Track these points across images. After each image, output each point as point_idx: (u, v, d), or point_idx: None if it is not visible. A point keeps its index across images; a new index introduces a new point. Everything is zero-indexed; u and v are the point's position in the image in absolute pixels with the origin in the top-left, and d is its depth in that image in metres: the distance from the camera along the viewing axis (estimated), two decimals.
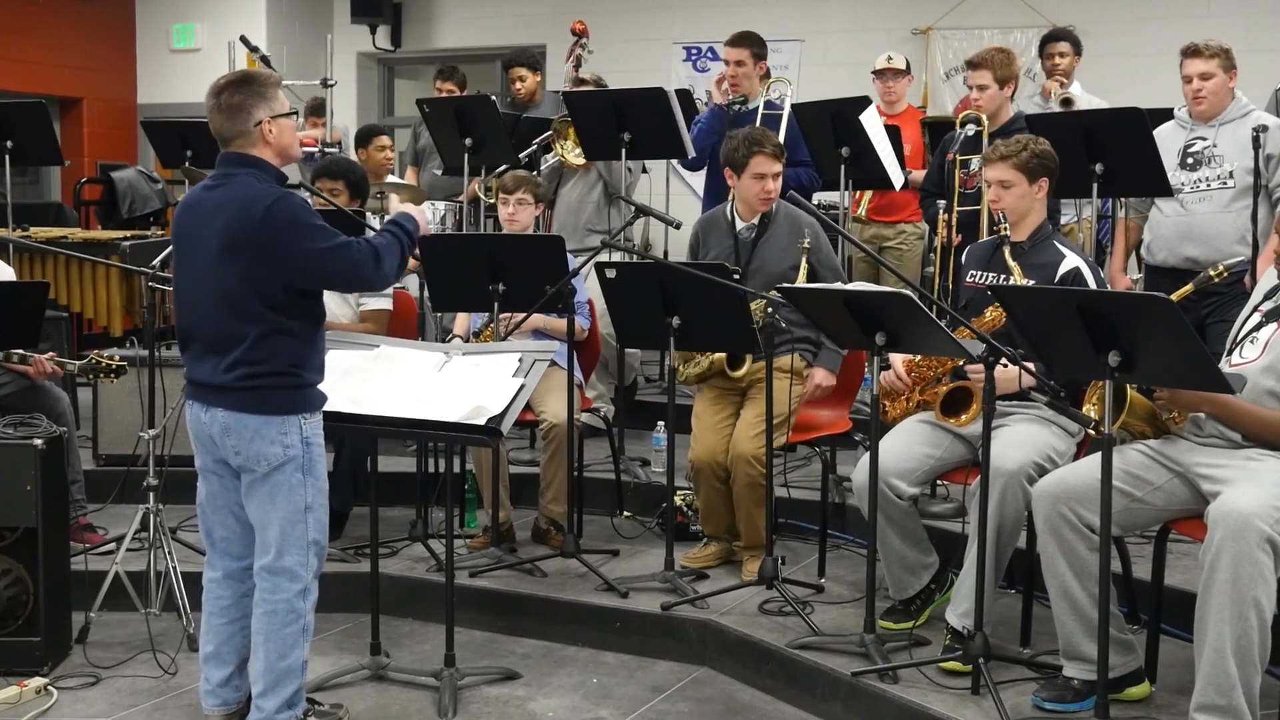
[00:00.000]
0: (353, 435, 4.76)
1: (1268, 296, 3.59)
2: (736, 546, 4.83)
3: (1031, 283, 3.97)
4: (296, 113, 3.57)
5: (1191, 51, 5.06)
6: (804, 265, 4.67)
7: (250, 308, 3.41)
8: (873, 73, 6.89)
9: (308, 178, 5.57)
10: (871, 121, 5.66)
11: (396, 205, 3.80)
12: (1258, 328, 3.53)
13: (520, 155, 6.43)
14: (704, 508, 4.84)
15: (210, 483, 3.63)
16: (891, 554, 4.17)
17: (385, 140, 7.02)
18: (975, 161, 5.45)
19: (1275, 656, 3.26)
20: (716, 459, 4.68)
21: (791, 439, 4.86)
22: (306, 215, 3.44)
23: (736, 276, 4.42)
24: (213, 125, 3.51)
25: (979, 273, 4.23)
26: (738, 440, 4.62)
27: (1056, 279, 3.98)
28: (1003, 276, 4.08)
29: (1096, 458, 3.36)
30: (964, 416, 4.02)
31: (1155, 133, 5.14)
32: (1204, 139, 5.07)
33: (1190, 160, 5.08)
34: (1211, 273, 3.60)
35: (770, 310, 4.38)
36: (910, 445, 4.11)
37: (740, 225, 4.86)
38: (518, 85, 7.48)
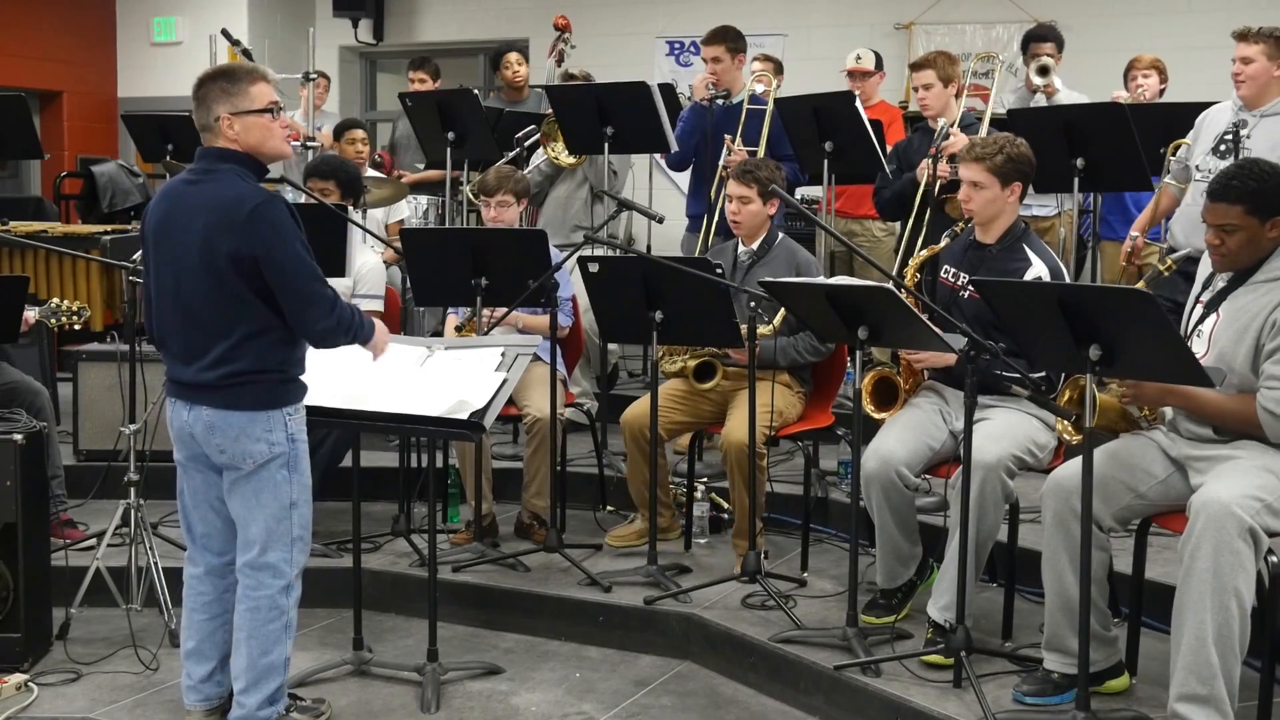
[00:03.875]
0: (334, 431, 4.75)
1: (1205, 286, 3.61)
2: (733, 542, 4.84)
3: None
4: (272, 110, 3.47)
5: (1240, 35, 5.00)
6: (781, 311, 4.63)
7: (234, 308, 3.39)
8: (842, 72, 6.91)
9: (299, 176, 5.53)
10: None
11: (380, 327, 3.71)
12: (1201, 320, 3.54)
13: (505, 154, 6.42)
14: (628, 469, 4.90)
15: (191, 478, 3.62)
16: (888, 543, 4.17)
17: (357, 134, 6.99)
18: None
19: (1253, 648, 3.28)
20: (642, 426, 4.75)
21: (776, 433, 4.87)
22: (290, 224, 3.40)
23: (720, 271, 4.42)
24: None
25: (952, 269, 4.24)
26: (731, 430, 4.65)
27: None
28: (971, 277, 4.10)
29: (1104, 449, 3.39)
30: (894, 407, 4.21)
31: (1208, 111, 5.09)
32: (1244, 127, 5.01)
33: (1223, 147, 4.99)
34: (1160, 267, 3.61)
35: (753, 305, 4.39)
36: (917, 435, 4.12)
37: (741, 249, 4.94)
38: (516, 69, 7.45)
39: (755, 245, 4.90)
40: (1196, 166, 5.06)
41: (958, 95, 5.68)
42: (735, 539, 4.79)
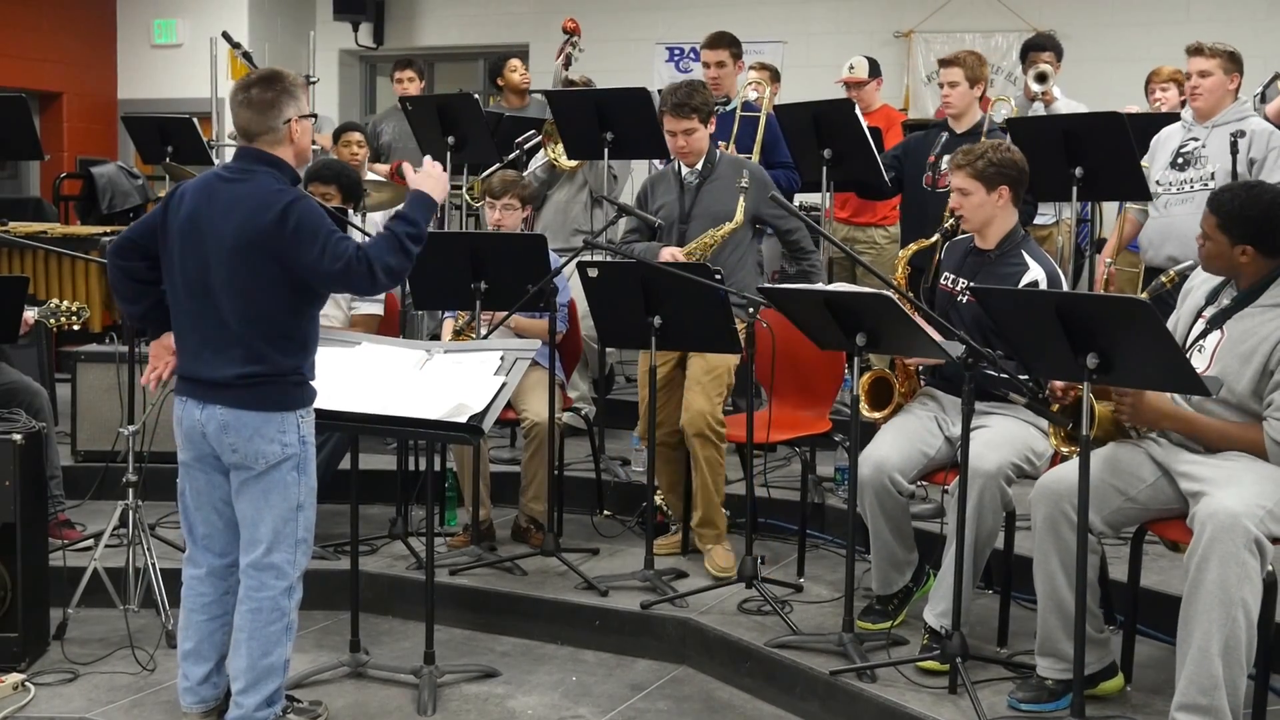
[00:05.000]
0: (333, 434, 4.75)
1: (1209, 301, 3.61)
2: (697, 532, 4.86)
3: None
4: (315, 116, 3.55)
5: (1195, 50, 5.09)
6: (741, 204, 4.77)
7: (259, 305, 3.41)
8: (837, 82, 6.93)
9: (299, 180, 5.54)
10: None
11: (412, 178, 3.68)
12: (1203, 335, 3.55)
13: (505, 158, 6.43)
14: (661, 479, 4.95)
15: (195, 478, 3.61)
16: (883, 549, 4.18)
17: (354, 136, 7.01)
18: (945, 162, 5.49)
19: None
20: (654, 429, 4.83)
21: (772, 438, 4.88)
22: (321, 218, 3.43)
23: (719, 277, 4.43)
24: (238, 120, 3.50)
25: (951, 276, 4.25)
26: (690, 401, 4.71)
27: None
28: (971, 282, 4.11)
29: (1095, 454, 3.40)
30: (889, 408, 4.24)
31: (1160, 134, 5.19)
32: (1196, 140, 5.09)
33: (1180, 160, 5.10)
34: (1163, 279, 3.62)
35: (751, 311, 4.41)
36: (911, 442, 4.13)
37: (685, 171, 4.98)
38: (524, 73, 7.45)
39: (699, 165, 4.93)
40: (1157, 182, 5.15)
41: (982, 98, 5.65)
42: (701, 529, 4.83)
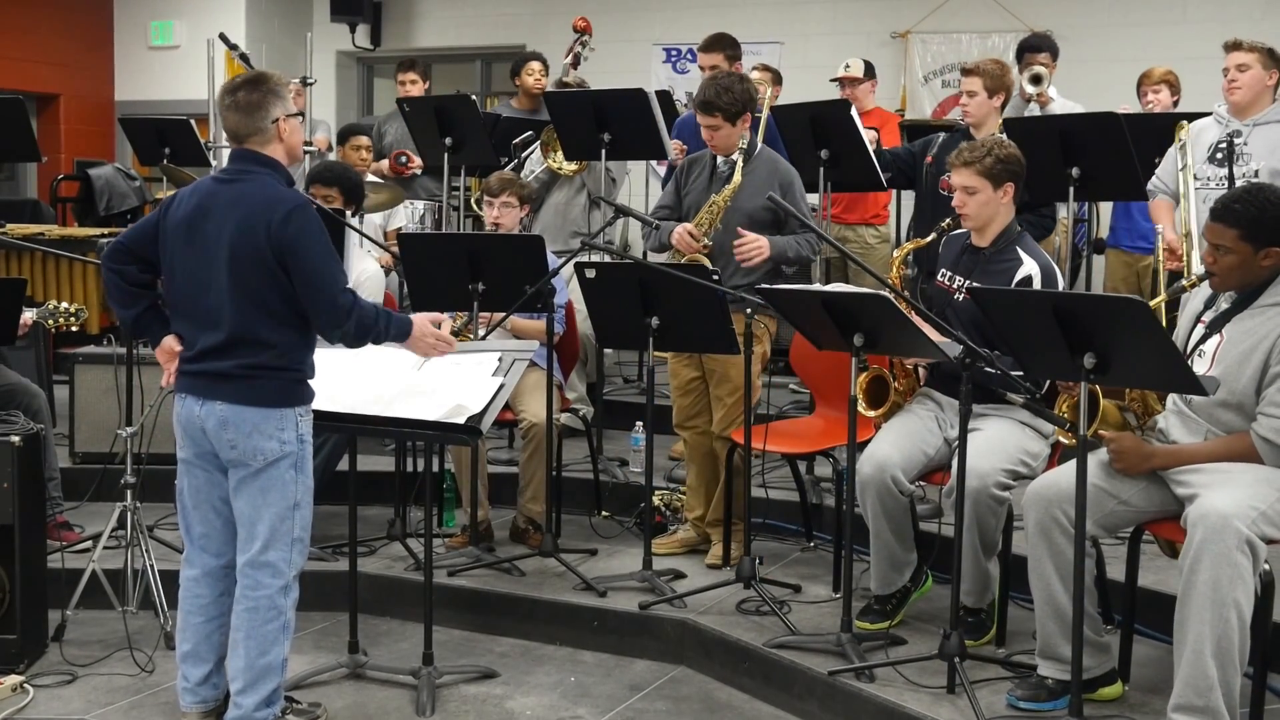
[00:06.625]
0: (331, 435, 4.76)
1: (1207, 306, 3.62)
2: (708, 527, 4.96)
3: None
4: (302, 114, 3.58)
5: (1233, 45, 5.02)
6: (739, 165, 4.82)
7: (260, 302, 3.43)
8: (832, 80, 6.93)
9: (301, 183, 5.54)
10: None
11: (419, 322, 3.72)
12: (1203, 340, 3.55)
13: (503, 161, 6.44)
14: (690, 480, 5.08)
15: (194, 476, 3.62)
16: (883, 549, 4.18)
17: (362, 140, 7.02)
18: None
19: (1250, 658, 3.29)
20: (683, 426, 4.97)
21: (769, 448, 4.88)
22: (321, 231, 3.48)
23: (716, 277, 4.44)
24: (228, 123, 3.54)
25: (948, 273, 4.26)
26: (717, 416, 4.84)
27: (1011, 286, 4.01)
28: (968, 280, 4.11)
29: (1085, 458, 3.40)
30: (883, 409, 4.25)
31: (1191, 126, 5.12)
32: (1239, 136, 5.01)
33: (1219, 156, 5.01)
34: (1185, 283, 3.62)
35: (749, 312, 4.41)
36: (912, 442, 4.13)
37: (720, 161, 4.95)
38: (539, 76, 7.44)
39: (734, 157, 4.90)
40: (1195, 175, 5.08)
41: (1002, 107, 5.62)
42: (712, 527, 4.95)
